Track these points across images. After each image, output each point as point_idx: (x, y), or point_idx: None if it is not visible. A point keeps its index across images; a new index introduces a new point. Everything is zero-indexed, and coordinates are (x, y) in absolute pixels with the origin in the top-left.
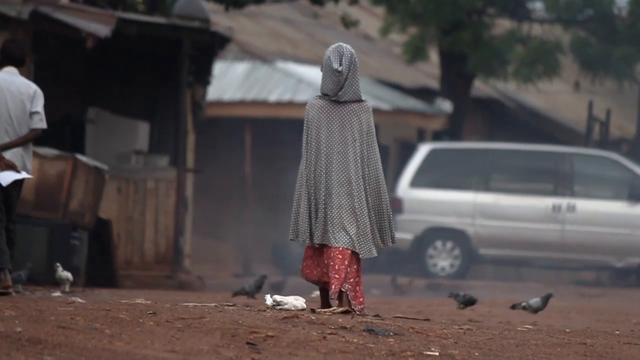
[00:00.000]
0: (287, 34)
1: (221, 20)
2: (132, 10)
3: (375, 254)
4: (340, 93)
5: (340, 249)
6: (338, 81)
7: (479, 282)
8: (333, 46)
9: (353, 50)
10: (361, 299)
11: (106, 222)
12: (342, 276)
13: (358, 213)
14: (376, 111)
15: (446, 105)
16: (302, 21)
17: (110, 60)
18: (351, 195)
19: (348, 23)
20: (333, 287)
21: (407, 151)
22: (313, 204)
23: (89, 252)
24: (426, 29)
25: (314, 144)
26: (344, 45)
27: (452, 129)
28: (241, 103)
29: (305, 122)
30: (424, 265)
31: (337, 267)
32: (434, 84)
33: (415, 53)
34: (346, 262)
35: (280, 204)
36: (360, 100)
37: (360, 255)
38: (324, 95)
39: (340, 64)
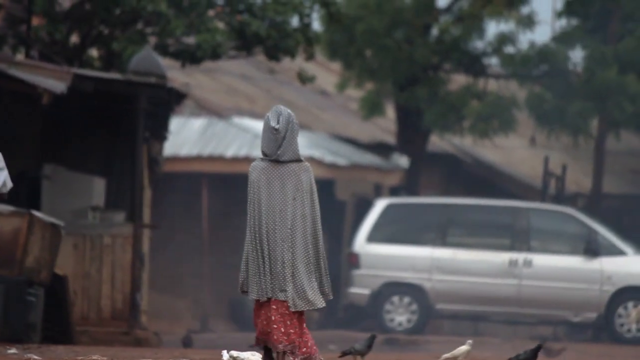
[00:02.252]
0: (244, 90)
1: (178, 76)
2: (88, 66)
3: (318, 306)
4: (279, 152)
5: (282, 302)
6: (276, 139)
7: (437, 337)
8: (272, 108)
9: (292, 113)
10: (304, 349)
11: (62, 278)
12: (283, 330)
13: (299, 268)
14: (333, 166)
15: (403, 161)
16: (259, 77)
17: (66, 116)
18: (292, 251)
19: (304, 79)
20: (274, 340)
21: (364, 206)
22: (260, 260)
23: (45, 309)
24: (382, 85)
25: (256, 203)
26: (282, 107)
27: (409, 184)
28: (198, 158)
29: (249, 183)
30: (381, 320)
31: (278, 320)
32: (391, 139)
33: (371, 108)
34: (287, 316)
35: (237, 259)
36: (299, 161)
37: (300, 309)
38: (265, 156)
39: (278, 123)
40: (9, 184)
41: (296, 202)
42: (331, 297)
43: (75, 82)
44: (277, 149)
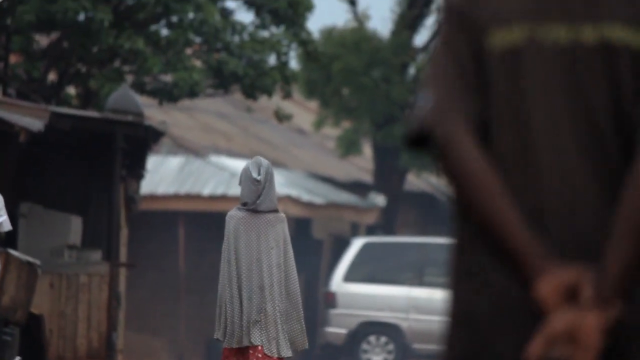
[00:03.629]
0: (221, 128)
1: (155, 114)
2: (65, 104)
3: (290, 355)
4: (258, 202)
5: (258, 348)
6: (256, 190)
7: None
8: (252, 159)
9: (270, 164)
10: None
11: (38, 317)
12: None
13: (275, 316)
14: (310, 205)
15: (380, 199)
16: (236, 115)
17: (43, 153)
18: (270, 299)
19: (281, 117)
20: None
21: (341, 245)
22: (237, 308)
23: (21, 348)
24: (359, 123)
25: (233, 252)
26: (262, 158)
27: (386, 223)
28: (175, 197)
29: (226, 232)
30: None
31: None
32: (368, 177)
33: (348, 147)
34: None
35: (214, 298)
36: (275, 211)
37: (275, 355)
38: (243, 206)
39: (259, 174)
40: (7, 227)
41: (272, 251)
42: (307, 347)
43: (52, 120)
44: (257, 199)
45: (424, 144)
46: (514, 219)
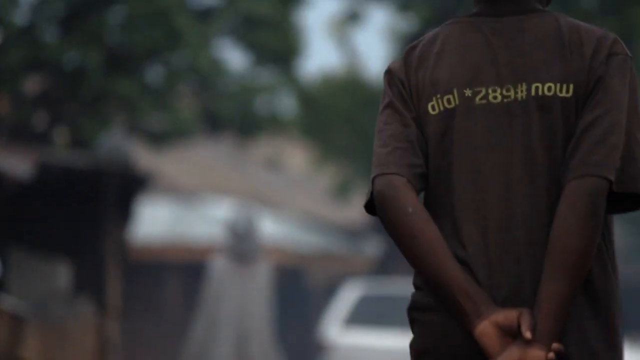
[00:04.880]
0: (213, 172)
1: (146, 158)
2: (54, 148)
3: None
4: (243, 254)
5: None
6: (242, 242)
7: None
8: (238, 212)
9: (253, 216)
10: None
11: None
12: None
13: None
14: (302, 254)
15: (375, 247)
16: (228, 158)
17: (31, 200)
18: (254, 346)
19: (274, 162)
20: None
21: (334, 295)
22: (218, 354)
23: None
24: (355, 166)
25: (215, 300)
26: (248, 211)
27: (381, 271)
28: (165, 243)
29: (211, 281)
30: None
31: None
32: (362, 223)
33: (343, 190)
34: None
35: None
36: (260, 262)
37: None
38: (229, 257)
39: (245, 227)
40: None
41: (256, 301)
42: None
43: (41, 170)
44: (242, 251)
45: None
46: (452, 266)
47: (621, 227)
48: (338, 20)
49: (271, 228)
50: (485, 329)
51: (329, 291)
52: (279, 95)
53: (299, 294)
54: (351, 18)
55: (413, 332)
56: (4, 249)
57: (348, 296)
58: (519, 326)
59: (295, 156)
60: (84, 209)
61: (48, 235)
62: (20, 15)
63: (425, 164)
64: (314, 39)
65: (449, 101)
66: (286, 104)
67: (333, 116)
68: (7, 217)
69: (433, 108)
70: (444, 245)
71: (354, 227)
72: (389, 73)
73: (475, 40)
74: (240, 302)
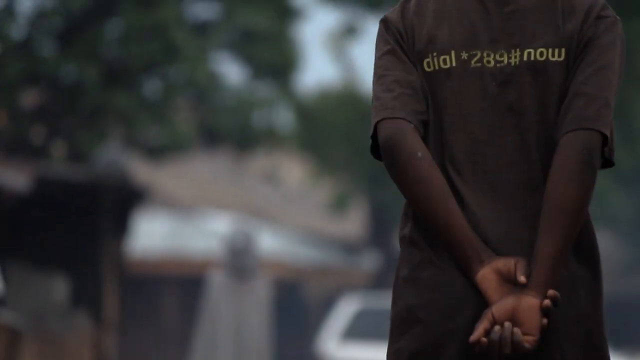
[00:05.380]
0: (210, 186)
1: (143, 171)
2: (52, 161)
3: None
4: (241, 270)
5: None
6: (240, 258)
7: None
8: (235, 229)
9: (252, 233)
10: None
11: None
12: None
13: None
14: (299, 267)
15: (372, 260)
16: (226, 172)
17: (28, 214)
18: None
19: (271, 175)
20: None
21: (332, 308)
22: None
23: None
24: (353, 180)
25: (214, 316)
26: (245, 227)
27: (378, 285)
28: (163, 256)
29: (209, 296)
30: None
31: None
32: (361, 237)
33: (341, 204)
34: None
35: None
36: (258, 277)
37: None
38: (226, 272)
39: (242, 243)
40: (2, 290)
41: (254, 316)
42: None
43: (39, 183)
44: (240, 267)
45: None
46: (458, 215)
47: (617, 242)
48: (335, 34)
49: (268, 242)
50: (486, 274)
51: (327, 305)
52: (276, 109)
53: (296, 308)
54: (348, 32)
55: (405, 292)
56: (2, 262)
57: (345, 310)
58: (517, 273)
59: (293, 170)
60: (81, 223)
61: (45, 249)
62: (18, 29)
63: (427, 112)
64: (311, 52)
65: (444, 61)
66: (284, 118)
67: (330, 130)
68: (4, 231)
69: (428, 65)
70: (450, 192)
71: (351, 241)
72: (385, 22)
73: (471, 3)
74: (238, 318)
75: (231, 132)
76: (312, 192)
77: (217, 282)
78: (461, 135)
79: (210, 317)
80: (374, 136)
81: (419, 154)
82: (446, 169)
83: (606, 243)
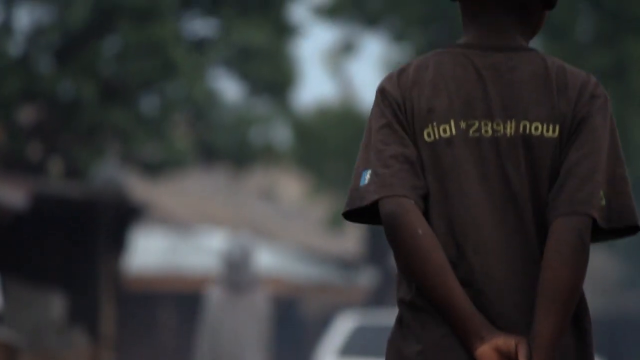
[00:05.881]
0: (208, 203)
1: (140, 188)
2: (49, 178)
3: None
4: (239, 283)
5: None
6: (237, 272)
7: None
8: (233, 241)
9: (249, 246)
10: None
11: None
12: None
13: None
14: (297, 284)
15: (369, 277)
16: (223, 189)
17: (25, 230)
18: None
19: (269, 192)
20: None
21: (329, 325)
22: None
23: None
24: None
25: (215, 331)
26: (243, 240)
27: (376, 302)
28: (160, 273)
29: (208, 311)
30: None
31: None
32: (358, 254)
33: (338, 221)
34: None
35: None
36: (256, 292)
37: None
38: (225, 286)
39: (240, 256)
40: (1, 305)
41: (253, 330)
42: None
43: (36, 199)
44: (238, 281)
45: (362, 217)
46: (458, 291)
47: (612, 260)
48: (332, 51)
49: (266, 259)
50: (485, 351)
51: (324, 322)
52: (273, 126)
53: (294, 324)
54: (346, 49)
55: (407, 342)
56: (0, 278)
57: (342, 327)
58: (516, 352)
59: (290, 187)
60: (78, 239)
61: (43, 265)
62: (15, 45)
63: (426, 186)
64: (308, 69)
65: (444, 130)
66: (281, 134)
67: (328, 147)
68: (2, 247)
69: (429, 135)
70: (449, 268)
71: (348, 258)
72: (382, 92)
73: (468, 73)
74: (236, 332)
75: (229, 149)
76: (310, 209)
77: (215, 297)
78: (462, 204)
79: (210, 331)
80: (364, 207)
81: (420, 232)
82: (448, 238)
83: (601, 261)
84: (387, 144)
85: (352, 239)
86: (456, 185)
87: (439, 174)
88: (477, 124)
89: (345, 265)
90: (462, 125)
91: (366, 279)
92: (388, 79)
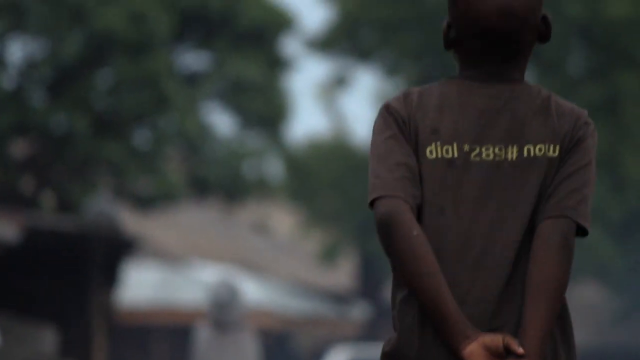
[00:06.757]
0: (200, 236)
1: (133, 221)
2: (42, 211)
3: None
4: (227, 323)
5: None
6: (225, 312)
7: None
8: (219, 282)
9: (236, 286)
10: None
11: None
12: None
13: None
14: (288, 318)
15: (362, 311)
16: (215, 222)
17: (18, 264)
18: None
19: (261, 226)
20: None
21: (322, 358)
22: None
23: None
24: (343, 231)
25: None
26: (230, 280)
27: (368, 335)
28: (152, 307)
29: (195, 350)
30: None
31: None
32: (350, 288)
33: (330, 255)
34: None
35: None
36: (244, 330)
37: None
38: (212, 325)
39: (227, 296)
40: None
41: None
42: None
43: (29, 233)
44: (225, 320)
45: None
46: (447, 294)
47: (606, 292)
48: (325, 85)
49: (258, 292)
50: (474, 350)
51: (316, 355)
52: (266, 159)
53: (287, 358)
54: (338, 82)
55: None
56: None
57: (336, 357)
58: (504, 348)
59: (283, 221)
60: (71, 273)
61: (34, 299)
62: (8, 79)
63: (421, 197)
64: (301, 103)
65: (447, 151)
66: (273, 168)
67: (320, 181)
68: None
69: (431, 152)
70: (440, 270)
71: (341, 292)
72: (388, 108)
73: (472, 101)
74: None
75: (221, 183)
76: (302, 243)
77: (203, 335)
78: (456, 219)
79: None
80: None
81: (414, 232)
82: (438, 249)
83: (595, 293)
84: (391, 152)
85: (344, 272)
86: (452, 203)
87: (436, 190)
88: (478, 149)
89: (338, 299)
90: (465, 148)
91: (359, 312)
92: (394, 99)
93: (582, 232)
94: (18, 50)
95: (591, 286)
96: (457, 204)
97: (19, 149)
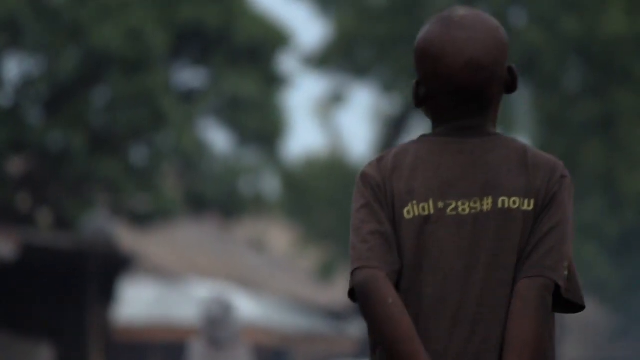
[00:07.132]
0: (196, 253)
1: (130, 238)
2: (38, 228)
3: None
4: (220, 340)
5: None
6: (218, 328)
7: None
8: (212, 299)
9: (230, 303)
10: None
11: None
12: None
13: None
14: (285, 335)
15: (358, 327)
16: (212, 239)
17: (14, 281)
18: None
19: (258, 242)
20: None
21: None
22: None
23: None
24: (339, 247)
25: None
26: (224, 297)
27: (366, 351)
28: (148, 324)
29: None
30: None
31: None
32: (346, 304)
33: (327, 271)
34: None
35: None
36: (238, 347)
37: None
38: (206, 342)
39: (220, 312)
40: None
41: None
42: None
43: (25, 250)
44: (219, 337)
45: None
46: (426, 357)
47: (603, 309)
48: (322, 102)
49: (255, 309)
50: None
51: None
52: (262, 176)
53: None
54: (335, 99)
55: None
56: None
57: None
58: None
59: (279, 237)
60: (67, 290)
61: (31, 316)
62: (5, 96)
63: (399, 261)
64: (297, 120)
65: (423, 209)
66: (270, 185)
67: (316, 197)
68: None
69: (408, 212)
70: (416, 334)
71: (337, 309)
72: (364, 176)
73: (446, 157)
74: None
75: (217, 199)
76: (298, 260)
77: (197, 351)
78: (434, 274)
79: None
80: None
81: (390, 300)
82: (417, 306)
83: (593, 310)
84: (365, 222)
85: (341, 289)
86: (429, 259)
87: (415, 249)
88: (454, 204)
89: (334, 315)
90: (440, 205)
91: (355, 329)
92: (368, 165)
93: (577, 308)
94: (14, 67)
95: (589, 303)
96: (435, 260)
97: (15, 166)
